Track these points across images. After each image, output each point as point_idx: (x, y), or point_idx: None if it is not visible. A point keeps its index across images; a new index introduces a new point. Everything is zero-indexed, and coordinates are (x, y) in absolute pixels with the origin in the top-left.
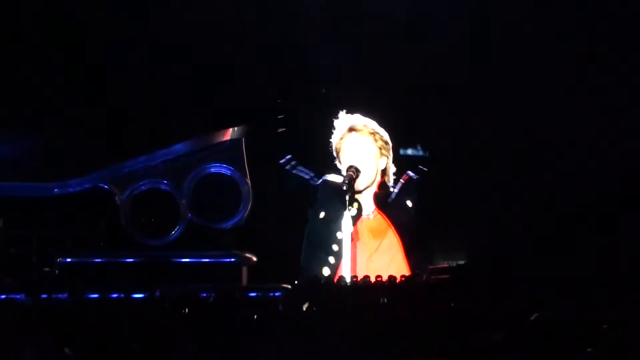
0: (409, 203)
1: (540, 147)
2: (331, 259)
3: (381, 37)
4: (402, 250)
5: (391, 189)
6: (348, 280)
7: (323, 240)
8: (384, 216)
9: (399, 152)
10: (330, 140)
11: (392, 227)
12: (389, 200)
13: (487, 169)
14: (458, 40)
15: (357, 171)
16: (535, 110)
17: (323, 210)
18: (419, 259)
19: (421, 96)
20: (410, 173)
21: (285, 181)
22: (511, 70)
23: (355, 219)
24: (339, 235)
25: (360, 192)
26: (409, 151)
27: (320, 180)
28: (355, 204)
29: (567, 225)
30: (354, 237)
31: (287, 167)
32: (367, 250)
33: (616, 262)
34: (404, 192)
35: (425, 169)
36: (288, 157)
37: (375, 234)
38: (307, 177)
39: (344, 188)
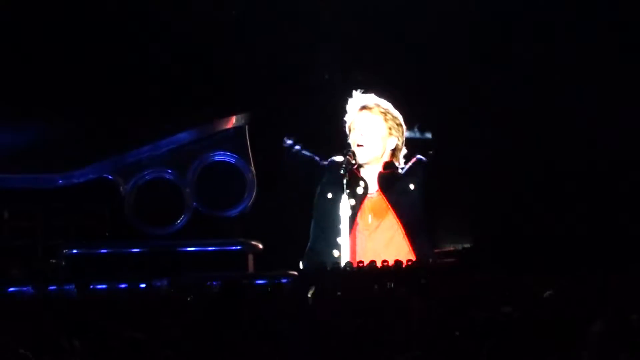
0: (412, 186)
1: (548, 130)
2: (339, 240)
3: (401, 19)
4: (403, 231)
5: (399, 170)
6: (349, 263)
7: (330, 220)
8: (384, 197)
9: (411, 134)
10: (345, 119)
11: (391, 208)
12: (393, 180)
13: (495, 152)
14: (474, 25)
15: (354, 155)
16: (543, 94)
17: (330, 191)
18: (420, 242)
19: (437, 81)
20: (419, 156)
21: (290, 162)
22: (523, 60)
23: (361, 197)
24: (342, 217)
25: (361, 166)
26: (420, 134)
27: (328, 161)
28: (360, 185)
29: (572, 206)
30: (358, 216)
31: (292, 150)
32: (367, 229)
33: (619, 243)
34: (409, 175)
35: (432, 152)
36: (290, 141)
37: (376, 213)
38: (312, 157)
39: (341, 172)
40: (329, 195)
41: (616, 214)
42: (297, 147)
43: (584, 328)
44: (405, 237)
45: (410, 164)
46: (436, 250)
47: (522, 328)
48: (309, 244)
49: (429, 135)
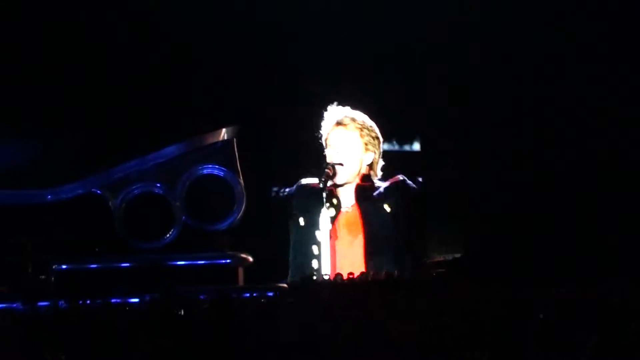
0: (387, 208)
1: (540, 142)
2: (314, 263)
3: (377, 35)
4: (363, 247)
5: (376, 184)
6: (339, 275)
7: (305, 245)
8: (359, 211)
9: (391, 145)
10: (321, 132)
11: (361, 224)
12: (370, 195)
13: (483, 163)
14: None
15: (334, 168)
16: (533, 104)
17: (301, 216)
18: (374, 263)
19: (417, 89)
20: (401, 177)
21: (274, 210)
22: (511, 63)
23: (335, 215)
24: (318, 236)
25: (340, 186)
26: (399, 146)
27: (295, 186)
28: (334, 200)
29: (563, 218)
30: (332, 235)
31: (276, 195)
32: (343, 246)
33: (614, 256)
34: (387, 195)
35: (421, 179)
36: (275, 189)
37: (350, 228)
38: (283, 194)
39: (321, 185)
40: (302, 222)
41: (612, 223)
42: (282, 192)
43: (580, 341)
44: (363, 254)
45: (389, 182)
46: (427, 261)
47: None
48: (289, 276)
49: (410, 147)
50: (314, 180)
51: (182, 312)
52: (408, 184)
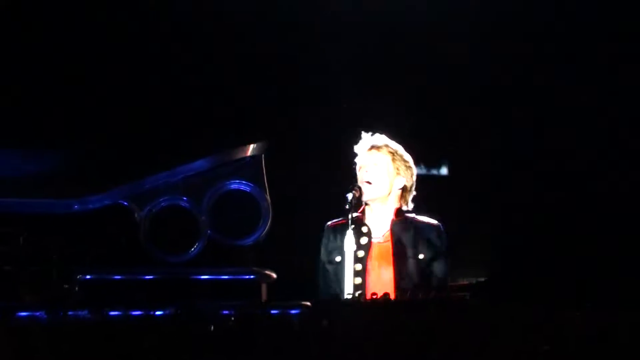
0: (421, 252)
1: (562, 168)
2: (350, 290)
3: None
4: (392, 283)
5: (409, 219)
6: (362, 294)
7: (339, 277)
8: (392, 245)
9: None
10: (354, 160)
11: (392, 260)
12: (403, 233)
13: (507, 188)
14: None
15: (360, 189)
16: (559, 129)
17: (336, 254)
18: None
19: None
20: (437, 223)
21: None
22: (541, 85)
23: (367, 246)
24: (353, 267)
25: (367, 204)
26: (430, 170)
27: (324, 231)
28: (364, 228)
29: (586, 244)
30: (368, 266)
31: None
32: (372, 277)
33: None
34: (422, 237)
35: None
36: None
37: (381, 262)
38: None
39: (347, 207)
40: (337, 259)
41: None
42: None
43: None
44: (392, 286)
45: (426, 223)
46: (451, 284)
47: None
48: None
49: (442, 171)
50: (338, 219)
51: (212, 328)
52: (444, 236)
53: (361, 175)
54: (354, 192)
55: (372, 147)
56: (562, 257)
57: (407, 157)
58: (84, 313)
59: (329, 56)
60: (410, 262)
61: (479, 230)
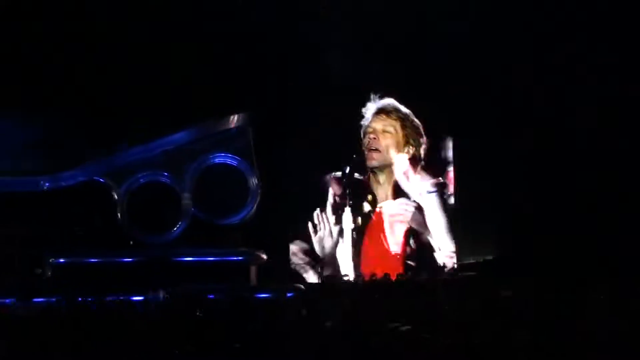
0: (424, 208)
1: (574, 149)
2: (344, 252)
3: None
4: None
5: (414, 183)
6: (361, 276)
7: (336, 234)
8: (394, 210)
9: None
10: (360, 123)
11: (394, 223)
12: (407, 193)
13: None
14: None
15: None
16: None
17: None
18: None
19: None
20: (441, 180)
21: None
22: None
23: (371, 211)
24: (347, 226)
25: (373, 172)
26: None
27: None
28: (370, 196)
29: (592, 223)
30: (364, 232)
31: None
32: (373, 244)
33: None
34: (424, 194)
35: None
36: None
37: (383, 227)
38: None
39: (344, 179)
40: (333, 219)
41: None
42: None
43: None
44: (402, 250)
45: (429, 181)
46: (457, 263)
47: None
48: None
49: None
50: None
51: (198, 313)
52: (446, 189)
53: (367, 141)
54: (351, 167)
55: (381, 111)
56: (566, 236)
57: (418, 123)
58: (58, 299)
59: (321, 26)
60: (411, 234)
61: (487, 210)
